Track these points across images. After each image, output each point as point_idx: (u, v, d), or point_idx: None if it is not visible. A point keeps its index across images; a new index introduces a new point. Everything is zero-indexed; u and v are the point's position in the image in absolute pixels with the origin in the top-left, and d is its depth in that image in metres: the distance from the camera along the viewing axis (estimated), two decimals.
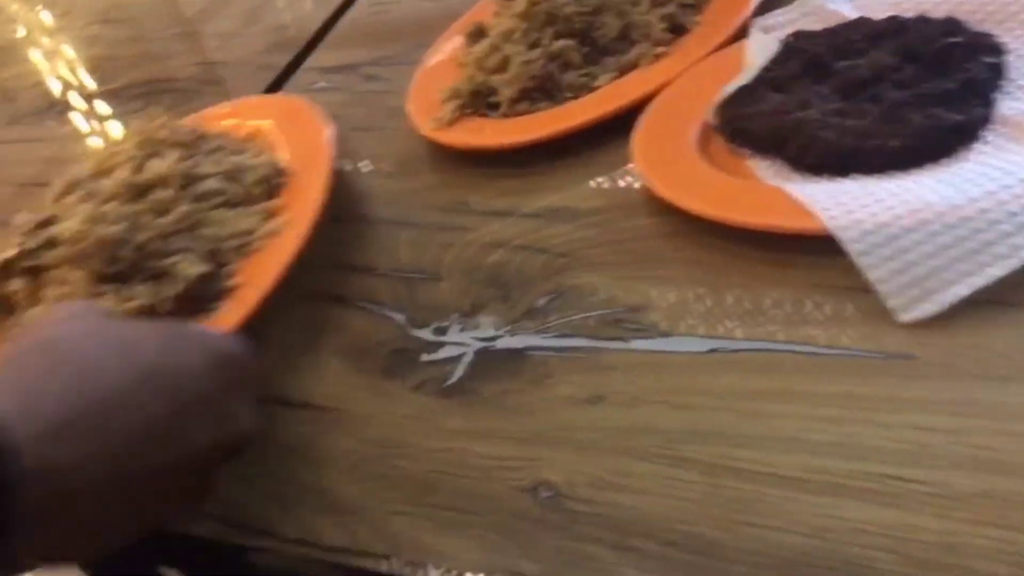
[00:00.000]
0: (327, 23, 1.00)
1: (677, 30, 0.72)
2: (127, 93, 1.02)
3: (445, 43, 0.83)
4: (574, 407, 0.52)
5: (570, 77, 0.71)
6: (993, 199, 0.51)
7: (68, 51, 1.20)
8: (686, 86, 0.67)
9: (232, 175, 0.69)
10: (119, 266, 0.61)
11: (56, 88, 1.10)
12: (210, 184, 0.68)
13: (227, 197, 0.67)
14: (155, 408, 0.45)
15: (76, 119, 1.02)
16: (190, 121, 0.79)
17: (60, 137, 0.99)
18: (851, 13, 0.68)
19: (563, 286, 0.59)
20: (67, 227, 0.62)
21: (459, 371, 0.56)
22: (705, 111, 0.64)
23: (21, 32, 1.29)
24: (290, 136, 0.75)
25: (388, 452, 0.54)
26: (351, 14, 1.01)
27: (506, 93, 0.71)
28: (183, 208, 0.65)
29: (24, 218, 0.67)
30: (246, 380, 0.51)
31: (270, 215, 0.67)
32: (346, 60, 0.91)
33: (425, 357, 0.58)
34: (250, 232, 0.65)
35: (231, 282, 0.63)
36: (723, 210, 0.56)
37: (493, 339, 0.57)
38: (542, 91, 0.71)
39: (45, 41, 1.25)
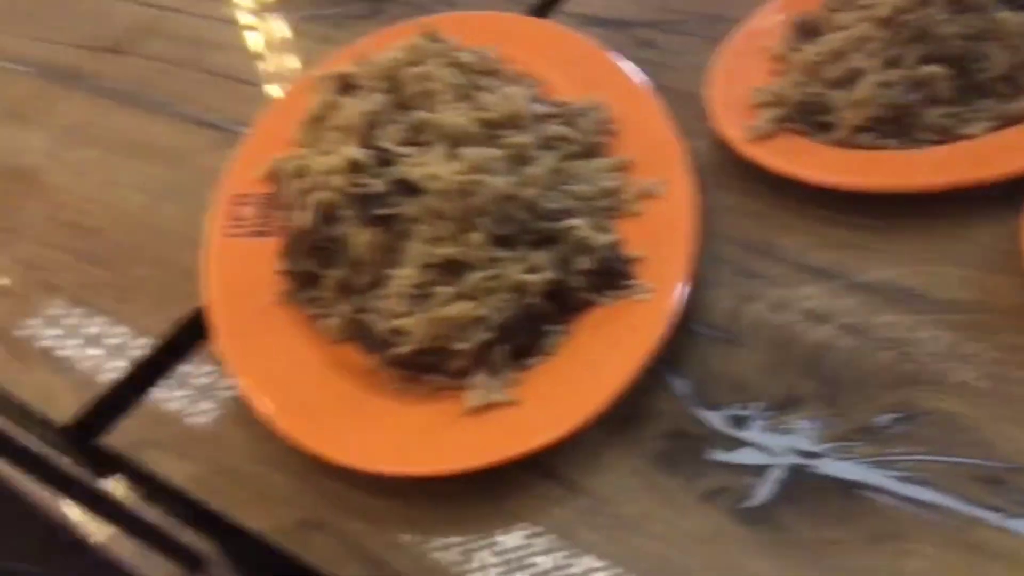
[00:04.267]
0: None
1: None
2: None
3: (755, 25, 0.67)
4: None
5: (934, 115, 0.56)
6: None
7: None
8: None
9: (568, 118, 0.58)
10: (510, 228, 0.50)
11: None
12: (554, 128, 0.57)
13: (577, 147, 0.57)
14: None
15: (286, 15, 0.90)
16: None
17: (267, 29, 0.87)
18: None
19: (915, 406, 0.45)
20: (437, 174, 0.50)
21: (765, 490, 0.43)
22: None
23: None
24: (576, 74, 0.64)
25: None
26: None
27: (849, 117, 0.56)
28: (547, 158, 0.54)
29: (339, 149, 0.54)
30: None
31: (623, 170, 0.57)
32: (617, 12, 0.77)
33: (717, 455, 0.45)
34: (613, 192, 0.55)
35: (631, 254, 0.52)
36: None
37: (813, 456, 0.44)
38: (895, 125, 0.56)
39: None
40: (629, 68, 0.64)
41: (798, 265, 0.53)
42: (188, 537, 1.41)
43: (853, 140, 0.57)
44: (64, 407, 0.56)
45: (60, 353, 0.59)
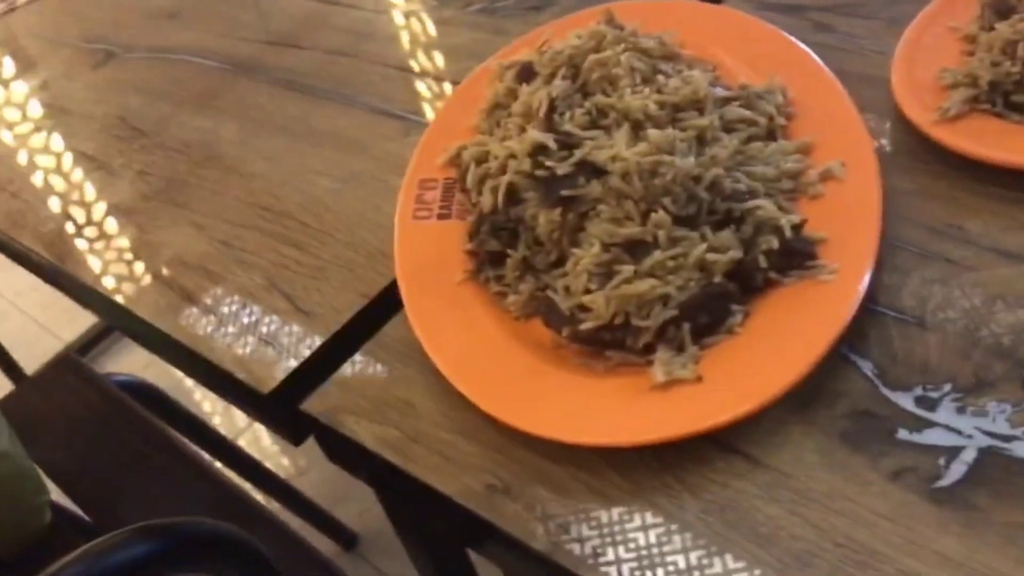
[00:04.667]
0: None
1: None
2: None
3: (941, 6, 0.65)
4: None
5: None
6: None
7: None
8: None
9: (747, 101, 0.59)
10: (692, 208, 0.52)
11: None
12: (734, 111, 0.58)
13: (758, 129, 0.57)
14: None
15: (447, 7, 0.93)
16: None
17: (438, 21, 0.91)
18: None
19: None
20: (621, 155, 0.52)
21: (955, 470, 0.43)
22: None
23: None
24: (754, 57, 0.64)
25: (848, 556, 0.42)
26: None
27: None
28: (731, 140, 0.55)
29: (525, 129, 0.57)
30: None
31: (806, 152, 0.57)
32: None
33: (904, 435, 0.45)
34: (796, 174, 0.55)
35: (815, 234, 0.52)
36: None
37: (1009, 439, 0.43)
38: None
39: None
40: (807, 50, 0.64)
41: (987, 248, 0.52)
42: (342, 516, 1.47)
43: None
44: (265, 376, 0.61)
45: (261, 327, 0.64)
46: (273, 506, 1.39)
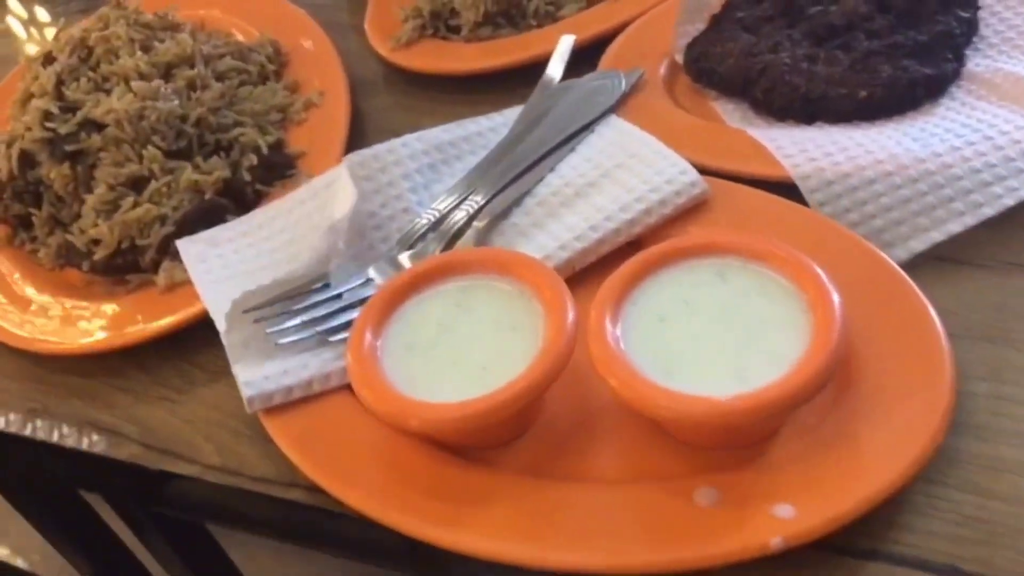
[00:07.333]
0: None
1: None
2: None
3: None
4: None
5: (535, 4, 0.68)
6: (957, 155, 0.50)
7: None
8: (655, 21, 0.65)
9: (240, 54, 0.68)
10: (182, 142, 0.60)
11: None
12: (227, 63, 0.67)
13: (246, 76, 0.67)
14: None
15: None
16: None
17: None
18: None
19: None
20: (112, 107, 0.59)
21: None
22: (673, 48, 0.62)
23: None
24: (251, 17, 0.75)
25: None
26: None
27: (469, 16, 0.68)
28: (218, 85, 0.64)
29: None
30: None
31: (293, 90, 0.68)
32: None
33: None
34: (283, 107, 0.66)
35: (296, 150, 0.63)
36: (684, 150, 0.54)
37: None
38: (506, 17, 0.68)
39: None
40: (300, 10, 0.74)
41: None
42: None
43: (476, 35, 0.69)
44: None
45: None
46: None
